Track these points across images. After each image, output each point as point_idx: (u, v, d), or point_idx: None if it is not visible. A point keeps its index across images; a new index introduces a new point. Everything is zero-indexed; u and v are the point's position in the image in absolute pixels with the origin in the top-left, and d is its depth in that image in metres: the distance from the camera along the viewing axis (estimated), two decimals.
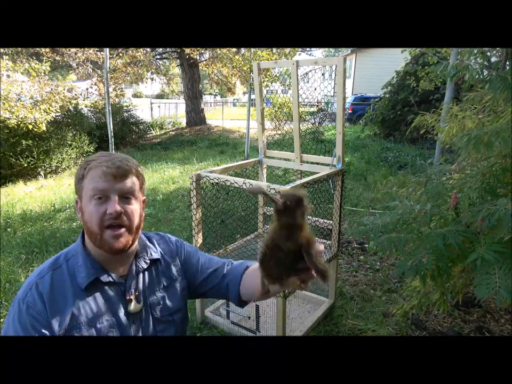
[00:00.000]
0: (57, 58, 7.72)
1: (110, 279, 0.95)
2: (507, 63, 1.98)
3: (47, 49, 6.61)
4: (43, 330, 0.87)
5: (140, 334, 0.99)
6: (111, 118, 5.94)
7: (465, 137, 1.50)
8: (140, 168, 0.98)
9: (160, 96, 35.05)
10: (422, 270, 1.37)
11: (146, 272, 1.02)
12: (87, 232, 0.93)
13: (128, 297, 0.96)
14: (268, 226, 0.73)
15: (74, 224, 4.34)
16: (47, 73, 6.34)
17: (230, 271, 1.09)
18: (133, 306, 0.96)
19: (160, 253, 1.07)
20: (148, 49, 9.31)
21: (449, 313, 2.51)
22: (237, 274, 1.06)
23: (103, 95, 8.14)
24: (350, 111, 13.99)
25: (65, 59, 7.93)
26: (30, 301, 0.88)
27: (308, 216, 2.62)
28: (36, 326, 0.86)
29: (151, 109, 17.58)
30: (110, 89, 6.94)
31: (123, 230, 0.90)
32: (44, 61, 6.28)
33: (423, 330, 2.36)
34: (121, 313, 0.95)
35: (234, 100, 29.19)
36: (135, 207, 0.93)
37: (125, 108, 11.09)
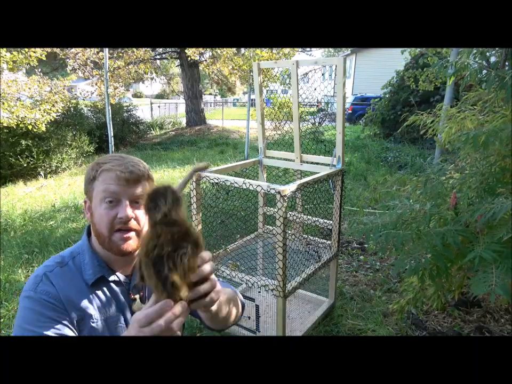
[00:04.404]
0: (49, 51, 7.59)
1: (116, 278, 0.96)
2: (506, 63, 1.98)
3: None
4: (61, 316, 0.86)
5: None
6: (110, 118, 5.94)
7: (463, 136, 1.50)
8: (150, 171, 1.00)
9: (160, 96, 35.02)
10: (420, 270, 1.38)
11: None
12: (95, 233, 0.94)
13: (132, 296, 0.97)
14: None
15: (74, 224, 4.34)
16: (44, 58, 6.23)
17: None
18: (136, 305, 0.97)
19: None
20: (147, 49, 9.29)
21: (449, 313, 2.51)
22: None
23: (103, 95, 8.14)
24: (350, 111, 13.99)
25: (61, 56, 7.86)
26: (44, 289, 0.87)
27: (303, 215, 2.62)
28: (55, 310, 0.86)
29: (151, 109, 17.57)
30: (110, 89, 6.93)
31: (132, 233, 0.92)
32: (39, 53, 6.17)
33: (423, 330, 2.36)
34: (127, 311, 0.97)
35: (234, 100, 29.18)
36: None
37: (125, 108, 11.09)
